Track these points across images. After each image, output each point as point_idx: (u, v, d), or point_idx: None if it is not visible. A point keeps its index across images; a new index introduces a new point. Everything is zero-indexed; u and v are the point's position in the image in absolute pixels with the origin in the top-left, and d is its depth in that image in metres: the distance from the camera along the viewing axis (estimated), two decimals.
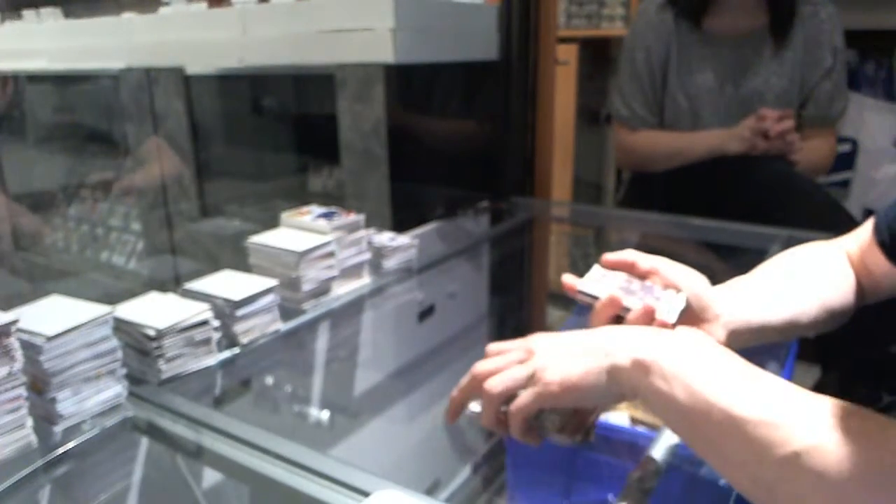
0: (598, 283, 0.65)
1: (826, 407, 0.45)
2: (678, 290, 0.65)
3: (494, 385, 0.57)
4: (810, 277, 0.72)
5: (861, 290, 0.75)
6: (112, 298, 0.81)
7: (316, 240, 1.03)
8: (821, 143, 1.58)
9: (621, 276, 0.67)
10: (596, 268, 0.68)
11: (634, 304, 0.63)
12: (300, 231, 1.08)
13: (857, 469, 0.40)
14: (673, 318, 0.62)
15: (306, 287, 1.01)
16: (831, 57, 1.53)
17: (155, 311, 0.83)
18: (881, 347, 1.03)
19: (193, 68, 1.72)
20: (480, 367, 0.60)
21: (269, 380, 1.06)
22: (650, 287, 0.65)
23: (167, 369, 0.81)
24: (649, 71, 1.60)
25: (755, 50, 1.55)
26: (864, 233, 0.76)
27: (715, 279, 1.67)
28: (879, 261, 0.73)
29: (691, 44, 1.58)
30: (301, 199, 1.72)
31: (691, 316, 0.65)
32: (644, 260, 0.67)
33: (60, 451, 0.70)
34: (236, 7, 1.58)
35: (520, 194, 1.70)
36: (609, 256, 0.68)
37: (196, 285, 0.92)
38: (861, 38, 1.90)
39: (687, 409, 0.49)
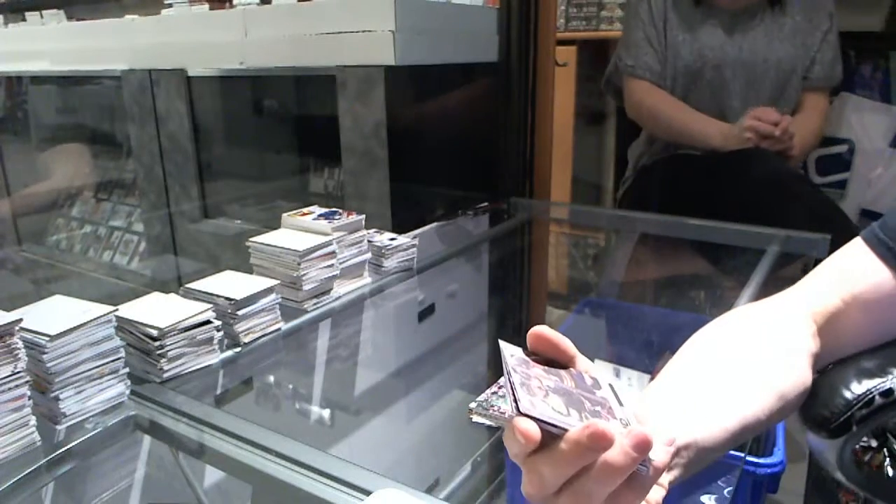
0: (536, 395, 0.41)
1: None
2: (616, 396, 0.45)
3: None
4: (761, 366, 0.58)
5: (817, 358, 0.64)
6: (114, 298, 0.82)
7: (317, 240, 1.04)
8: (815, 112, 1.61)
9: (544, 374, 0.44)
10: (509, 355, 0.44)
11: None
12: (301, 231, 1.09)
13: None
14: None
15: (307, 287, 1.02)
16: (828, 19, 1.57)
17: (157, 310, 0.83)
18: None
19: (195, 70, 1.73)
20: None
21: (271, 379, 1.07)
22: (593, 393, 0.44)
23: (169, 368, 0.81)
24: (652, 21, 1.63)
25: (755, 19, 1.58)
26: (843, 285, 0.65)
27: (715, 279, 1.66)
28: (855, 321, 0.63)
29: (689, 10, 1.61)
30: (302, 199, 1.73)
31: None
32: (569, 345, 0.47)
33: (63, 449, 0.70)
34: (238, 9, 1.58)
35: (519, 195, 1.71)
36: (540, 331, 0.46)
37: (198, 285, 0.93)
38: (858, 39, 1.90)
39: None
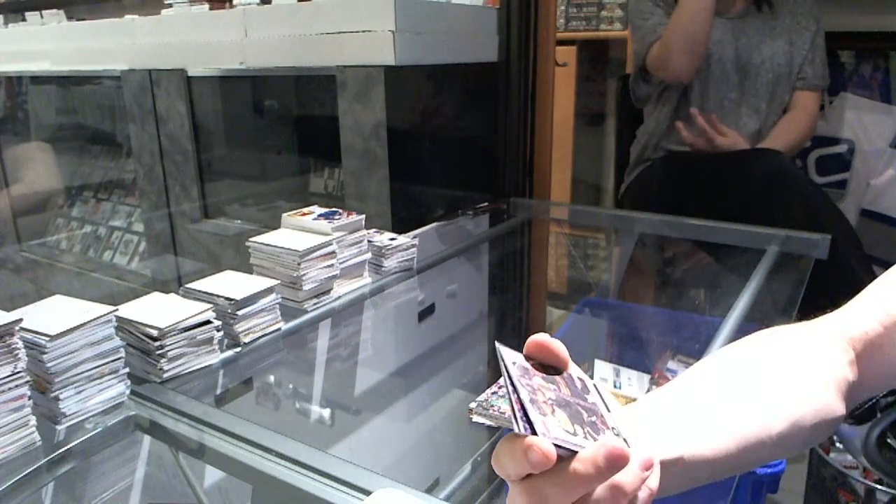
0: (546, 414, 0.41)
1: None
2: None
3: None
4: (775, 390, 0.54)
5: (854, 389, 0.58)
6: (114, 298, 0.82)
7: (317, 240, 1.04)
8: (805, 112, 1.66)
9: (545, 383, 0.44)
10: (511, 363, 0.43)
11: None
12: (301, 231, 1.09)
13: None
14: None
15: (307, 287, 1.02)
16: (815, 22, 1.63)
17: (157, 310, 0.84)
18: None
19: (195, 70, 1.73)
20: None
21: (271, 378, 1.07)
22: (584, 399, 0.44)
23: (169, 368, 0.81)
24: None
25: (747, 25, 1.64)
26: (887, 307, 0.57)
27: (715, 279, 1.67)
28: None
29: None
30: (302, 199, 1.73)
31: None
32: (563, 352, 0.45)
33: (63, 449, 0.70)
34: (238, 9, 1.58)
35: (519, 195, 1.71)
36: (541, 340, 0.44)
37: (198, 285, 0.93)
38: (858, 39, 1.91)
39: None
